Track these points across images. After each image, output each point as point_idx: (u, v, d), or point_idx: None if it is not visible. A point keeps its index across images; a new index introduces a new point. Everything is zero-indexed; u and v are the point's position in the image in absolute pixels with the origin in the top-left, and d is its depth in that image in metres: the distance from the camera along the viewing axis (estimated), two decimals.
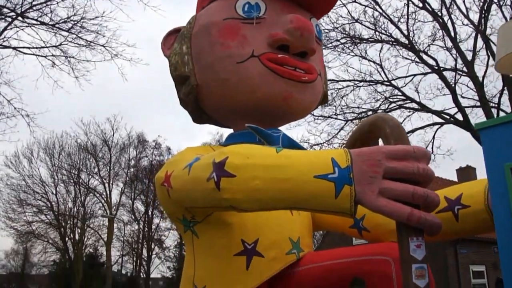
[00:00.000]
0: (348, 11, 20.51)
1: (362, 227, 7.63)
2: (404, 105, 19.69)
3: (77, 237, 44.12)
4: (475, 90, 17.60)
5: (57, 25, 18.18)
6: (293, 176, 5.09)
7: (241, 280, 6.75)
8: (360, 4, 19.01)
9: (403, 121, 19.90)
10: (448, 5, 17.82)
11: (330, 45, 19.50)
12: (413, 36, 18.82)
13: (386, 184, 4.89)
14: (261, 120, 6.17)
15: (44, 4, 17.50)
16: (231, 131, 6.98)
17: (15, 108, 18.69)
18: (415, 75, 19.43)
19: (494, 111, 17.24)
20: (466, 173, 26.66)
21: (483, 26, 17.51)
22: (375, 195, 4.76)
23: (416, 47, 18.83)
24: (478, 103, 17.80)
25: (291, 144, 5.66)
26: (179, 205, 6.78)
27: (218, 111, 6.39)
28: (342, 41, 19.69)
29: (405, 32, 18.78)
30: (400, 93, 19.55)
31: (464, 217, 6.40)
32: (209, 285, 6.98)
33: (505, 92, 16.98)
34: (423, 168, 4.89)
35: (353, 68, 23.02)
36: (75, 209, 44.32)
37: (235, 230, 7.00)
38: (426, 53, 18.92)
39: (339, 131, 20.27)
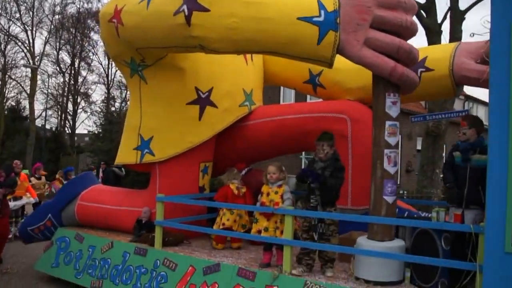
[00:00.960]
0: None
1: (318, 83, 7.29)
2: None
3: None
4: None
5: None
6: (274, 15, 4.49)
7: (193, 132, 6.33)
8: None
9: None
10: None
11: None
12: None
13: (372, 34, 4.44)
14: None
15: None
16: None
17: None
18: None
19: None
20: None
21: None
22: (360, 44, 4.34)
23: None
24: None
25: None
26: (130, 46, 6.02)
27: None
28: None
29: None
30: None
31: (426, 81, 6.14)
32: (157, 136, 6.51)
33: None
34: (411, 22, 4.47)
35: None
36: None
37: (189, 76, 6.44)
38: None
39: None
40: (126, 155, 6.90)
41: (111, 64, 44.78)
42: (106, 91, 45.39)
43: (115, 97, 44.01)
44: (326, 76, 7.04)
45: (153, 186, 6.77)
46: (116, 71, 44.89)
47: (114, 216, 7.00)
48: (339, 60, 7.10)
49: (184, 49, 5.53)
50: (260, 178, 6.92)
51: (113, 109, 37.59)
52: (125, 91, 43.17)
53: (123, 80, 41.89)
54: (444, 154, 17.01)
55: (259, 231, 5.40)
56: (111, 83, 44.77)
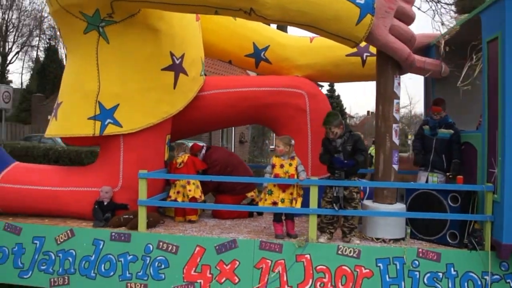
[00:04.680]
0: None
1: (263, 58, 7.62)
2: None
3: None
4: None
5: None
6: None
7: (168, 100, 6.10)
8: None
9: None
10: None
11: None
12: None
13: (396, 22, 5.52)
14: None
15: None
16: None
17: None
18: None
19: None
20: None
21: None
22: (387, 29, 5.30)
23: None
24: None
25: None
26: None
27: None
28: None
29: None
30: None
31: (371, 64, 7.16)
32: (124, 104, 5.96)
33: None
34: (414, 13, 5.80)
35: None
36: None
37: (164, 39, 6.11)
38: None
39: None
40: (77, 125, 5.82)
41: None
42: None
43: None
44: (274, 52, 7.20)
45: (112, 161, 5.96)
46: None
47: (56, 198, 5.91)
48: (286, 36, 7.38)
49: (224, 10, 5.04)
50: (222, 153, 6.82)
51: None
52: None
53: None
54: None
55: (275, 203, 5.46)
56: None
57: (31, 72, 44.76)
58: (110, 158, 6.02)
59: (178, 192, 6.24)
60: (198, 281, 5.22)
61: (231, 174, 6.49)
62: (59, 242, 5.55)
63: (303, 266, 5.15)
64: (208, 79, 6.89)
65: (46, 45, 40.99)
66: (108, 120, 5.80)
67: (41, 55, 43.01)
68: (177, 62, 6.03)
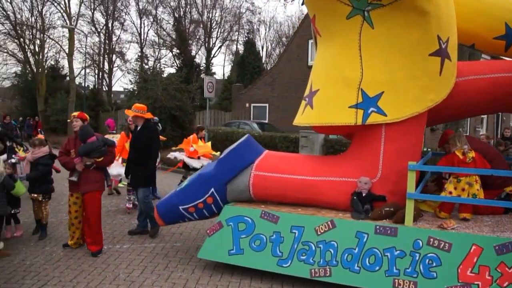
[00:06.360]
0: None
1: None
2: None
3: (37, 48, 41.25)
4: None
5: None
6: None
7: (434, 88, 5.52)
8: None
9: None
10: None
11: None
12: None
13: None
14: None
15: None
16: None
17: None
18: None
19: None
20: None
21: None
22: None
23: None
24: None
25: None
26: None
27: None
28: None
29: None
30: None
31: None
32: (389, 92, 5.25)
33: None
34: None
35: None
36: (33, 19, 40.41)
37: (432, 22, 5.34)
38: None
39: None
40: (337, 114, 5.67)
41: (143, 23, 50.23)
42: (140, 49, 47.17)
43: (148, 55, 46.32)
44: None
45: (371, 151, 5.71)
46: (149, 30, 48.85)
47: (311, 188, 5.86)
48: None
49: None
50: (478, 144, 6.25)
51: (146, 67, 36.95)
52: (158, 50, 45.56)
53: (156, 39, 45.46)
54: None
55: None
56: (144, 42, 46.92)
57: (232, 64, 48.99)
58: (368, 148, 5.76)
59: (463, 190, 5.57)
60: (476, 283, 4.71)
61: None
62: (319, 233, 5.52)
63: None
64: (459, 65, 6.30)
65: (244, 39, 44.46)
66: (372, 109, 5.54)
67: (240, 48, 46.57)
68: (443, 46, 5.54)
